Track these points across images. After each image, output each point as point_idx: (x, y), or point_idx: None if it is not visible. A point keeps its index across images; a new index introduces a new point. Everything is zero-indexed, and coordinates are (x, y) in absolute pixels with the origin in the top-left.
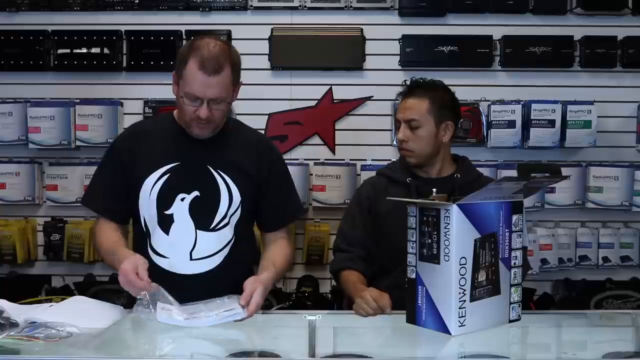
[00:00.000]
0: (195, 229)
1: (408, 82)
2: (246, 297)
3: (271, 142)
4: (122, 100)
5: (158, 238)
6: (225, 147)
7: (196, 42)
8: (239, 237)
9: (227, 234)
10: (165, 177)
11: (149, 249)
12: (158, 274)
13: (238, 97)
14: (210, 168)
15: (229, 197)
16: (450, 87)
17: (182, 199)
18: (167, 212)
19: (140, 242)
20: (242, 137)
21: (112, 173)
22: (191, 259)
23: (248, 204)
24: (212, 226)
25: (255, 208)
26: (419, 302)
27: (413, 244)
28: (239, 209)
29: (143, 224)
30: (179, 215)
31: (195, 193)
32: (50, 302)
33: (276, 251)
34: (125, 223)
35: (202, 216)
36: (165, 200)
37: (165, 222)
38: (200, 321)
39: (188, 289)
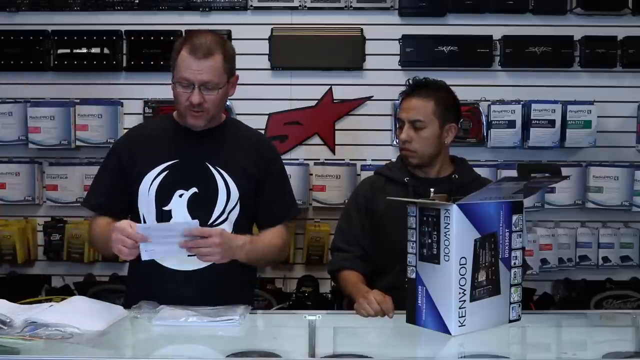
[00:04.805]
0: None
1: (411, 82)
2: (202, 231)
3: (269, 141)
4: (122, 100)
5: None
6: (224, 145)
7: (190, 34)
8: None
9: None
10: (164, 173)
11: None
12: (155, 270)
13: (238, 97)
14: (209, 165)
15: (227, 193)
16: (450, 87)
17: (181, 195)
18: (165, 209)
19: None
20: (240, 135)
21: (110, 173)
22: (188, 255)
23: (247, 201)
24: (209, 222)
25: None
26: (419, 302)
27: (413, 244)
28: (237, 205)
29: (142, 221)
30: (177, 211)
31: (194, 189)
32: (50, 302)
33: (265, 234)
34: None
35: (200, 212)
36: (163, 196)
37: (164, 218)
38: (196, 324)
39: (185, 285)
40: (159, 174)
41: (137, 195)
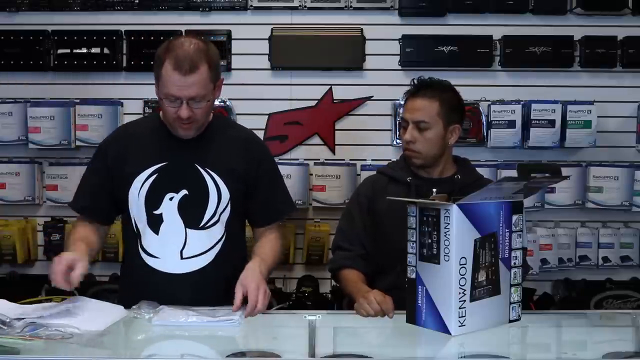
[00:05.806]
0: (185, 228)
1: (416, 82)
2: (253, 300)
3: (259, 139)
4: (122, 100)
5: (148, 238)
6: (213, 146)
7: (171, 42)
8: (230, 235)
9: (218, 232)
10: (154, 177)
11: (139, 249)
12: (149, 274)
13: (238, 97)
14: (198, 167)
15: (218, 194)
16: (455, 87)
17: (171, 199)
18: (156, 212)
19: (131, 243)
20: (229, 135)
21: (97, 173)
22: (182, 257)
23: (237, 201)
24: (201, 224)
25: (245, 205)
26: (419, 302)
27: (413, 243)
28: (229, 206)
29: (134, 225)
30: (168, 214)
31: (184, 192)
32: (50, 302)
33: (266, 246)
34: (108, 222)
35: (191, 215)
36: (153, 200)
37: (155, 222)
38: (196, 323)
39: (180, 288)
40: (148, 178)
41: (128, 199)
